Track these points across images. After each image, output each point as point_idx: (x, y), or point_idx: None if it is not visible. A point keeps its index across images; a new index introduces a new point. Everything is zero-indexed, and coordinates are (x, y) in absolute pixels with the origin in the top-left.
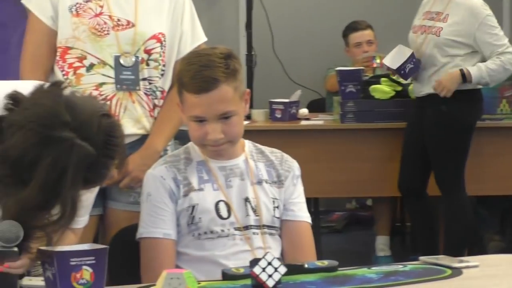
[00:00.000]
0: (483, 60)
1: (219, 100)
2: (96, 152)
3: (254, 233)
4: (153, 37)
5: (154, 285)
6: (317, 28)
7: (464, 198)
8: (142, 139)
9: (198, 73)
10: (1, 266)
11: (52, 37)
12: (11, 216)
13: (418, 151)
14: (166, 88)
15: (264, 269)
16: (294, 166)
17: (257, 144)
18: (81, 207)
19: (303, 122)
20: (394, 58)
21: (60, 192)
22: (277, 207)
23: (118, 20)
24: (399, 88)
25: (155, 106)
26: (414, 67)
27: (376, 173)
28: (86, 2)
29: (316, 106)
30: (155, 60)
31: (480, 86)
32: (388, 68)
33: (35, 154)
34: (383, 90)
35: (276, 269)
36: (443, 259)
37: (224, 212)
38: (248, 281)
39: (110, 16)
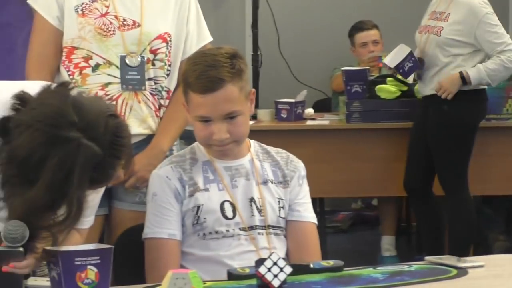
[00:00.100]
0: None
1: (224, 100)
2: (103, 152)
3: (259, 233)
4: (159, 37)
5: (159, 285)
6: (323, 28)
7: (467, 198)
8: (148, 139)
9: (204, 73)
10: (6, 266)
11: (58, 37)
12: (17, 216)
13: (423, 151)
14: (172, 88)
15: (269, 269)
16: (299, 167)
17: (262, 144)
18: (87, 208)
19: (309, 122)
20: (394, 57)
21: (66, 192)
22: (283, 207)
23: (124, 20)
24: (405, 88)
25: (160, 106)
26: (413, 65)
27: (381, 173)
28: (92, 2)
29: (322, 106)
30: (161, 60)
31: (484, 86)
32: (387, 67)
33: (42, 154)
34: (389, 90)
35: (281, 269)
36: (448, 259)
37: (229, 212)
38: (253, 281)
39: (116, 16)
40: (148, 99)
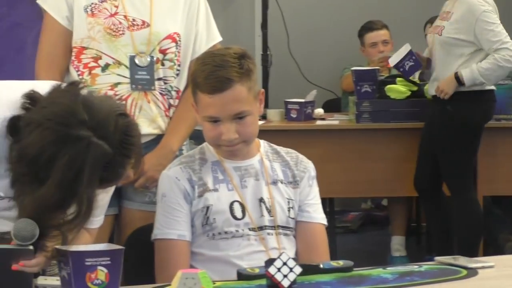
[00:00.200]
0: None
1: (233, 100)
2: (113, 151)
3: (268, 234)
4: (168, 37)
5: (169, 285)
6: (332, 28)
7: (472, 199)
8: (157, 139)
9: (212, 73)
10: (16, 265)
11: (67, 37)
12: (27, 214)
13: (432, 151)
14: (181, 87)
15: (279, 269)
16: (309, 167)
17: (272, 144)
18: (97, 207)
19: (319, 122)
20: (396, 56)
21: (76, 190)
22: (292, 207)
23: (133, 20)
24: (415, 88)
25: (170, 105)
26: (414, 64)
27: (391, 173)
28: (101, 2)
29: (332, 106)
30: (170, 60)
31: (492, 87)
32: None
33: (52, 153)
34: (398, 90)
35: (291, 269)
36: (458, 260)
37: (238, 213)
38: (263, 281)
39: (125, 16)
40: (158, 99)
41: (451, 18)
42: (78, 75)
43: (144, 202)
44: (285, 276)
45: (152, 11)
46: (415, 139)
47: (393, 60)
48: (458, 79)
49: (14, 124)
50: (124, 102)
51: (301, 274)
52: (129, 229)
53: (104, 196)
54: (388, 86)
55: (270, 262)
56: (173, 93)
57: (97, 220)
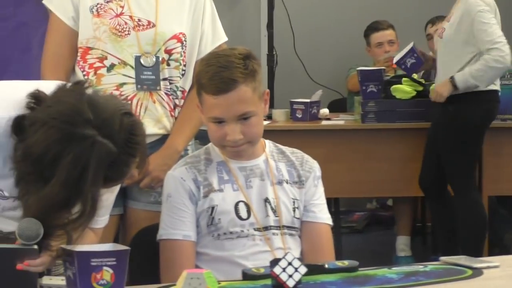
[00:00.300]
0: None
1: (237, 100)
2: (118, 150)
3: (274, 234)
4: (174, 37)
5: (174, 285)
6: (338, 28)
7: (475, 199)
8: (162, 139)
9: (217, 74)
10: (21, 264)
11: (73, 38)
12: (32, 213)
13: (436, 150)
14: (187, 88)
15: (284, 269)
16: (315, 167)
17: (277, 144)
18: (102, 206)
19: (324, 122)
20: (400, 54)
21: (81, 189)
22: (297, 207)
23: (139, 20)
24: (420, 88)
25: (175, 106)
26: (416, 62)
27: (396, 173)
28: (107, 2)
29: (337, 106)
30: (176, 60)
31: (495, 87)
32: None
33: (57, 151)
34: (404, 90)
35: (296, 269)
36: (463, 260)
37: (243, 213)
38: (268, 281)
39: (130, 17)
40: (163, 99)
41: (451, 19)
42: (84, 75)
43: (149, 202)
44: (290, 276)
45: (158, 11)
46: (421, 139)
47: (395, 58)
48: (452, 82)
49: (19, 124)
50: (129, 102)
51: (306, 274)
52: (134, 229)
53: (109, 196)
54: (394, 86)
55: (275, 262)
56: (179, 93)
57: (102, 219)
